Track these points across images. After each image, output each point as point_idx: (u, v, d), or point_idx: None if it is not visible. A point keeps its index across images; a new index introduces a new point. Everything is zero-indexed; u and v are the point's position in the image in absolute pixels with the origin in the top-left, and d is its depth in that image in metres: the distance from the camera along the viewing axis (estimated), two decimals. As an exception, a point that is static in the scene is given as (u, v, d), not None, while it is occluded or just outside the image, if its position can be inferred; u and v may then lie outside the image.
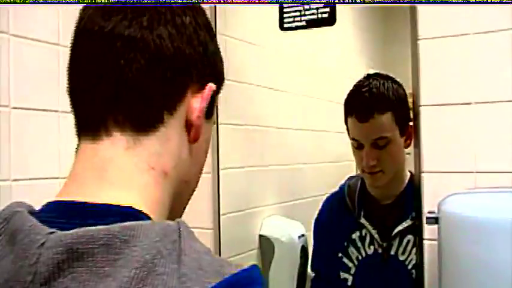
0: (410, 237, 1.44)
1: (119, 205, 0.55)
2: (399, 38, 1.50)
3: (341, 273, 1.55)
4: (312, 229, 1.70)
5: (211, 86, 0.62)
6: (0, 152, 1.18)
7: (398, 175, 1.50)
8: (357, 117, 1.48)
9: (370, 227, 1.52)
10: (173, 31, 0.59)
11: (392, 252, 1.48)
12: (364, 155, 1.48)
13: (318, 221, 1.69)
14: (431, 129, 1.26)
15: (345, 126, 1.55)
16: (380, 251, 1.50)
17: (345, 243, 1.55)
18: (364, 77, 1.54)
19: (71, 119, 1.36)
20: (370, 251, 1.52)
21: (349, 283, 1.55)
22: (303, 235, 1.77)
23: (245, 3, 1.50)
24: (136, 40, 0.57)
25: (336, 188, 1.66)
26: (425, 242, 1.27)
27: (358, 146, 1.50)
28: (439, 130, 1.26)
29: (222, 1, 1.50)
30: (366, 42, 1.98)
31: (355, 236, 1.54)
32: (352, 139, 1.52)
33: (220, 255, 1.49)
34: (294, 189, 1.91)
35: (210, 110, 0.64)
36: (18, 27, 1.21)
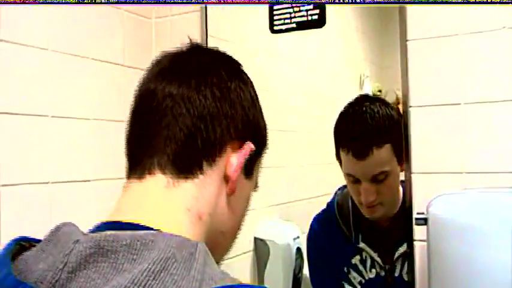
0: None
1: (150, 226, 0.61)
2: (396, 38, 1.49)
3: None
4: (306, 249, 1.63)
5: (249, 145, 0.71)
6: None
7: (395, 200, 1.41)
8: (353, 154, 1.34)
9: (370, 251, 1.44)
10: (218, 93, 0.69)
11: (396, 274, 1.41)
12: (363, 192, 1.37)
13: (312, 244, 1.61)
14: (421, 130, 1.26)
15: None
16: (383, 273, 1.43)
17: (345, 270, 1.47)
18: (354, 103, 1.41)
19: (61, 123, 1.37)
20: (372, 274, 1.44)
21: None
22: (298, 237, 1.77)
23: (235, 3, 1.50)
24: (184, 98, 0.67)
25: (323, 206, 1.58)
26: (415, 243, 1.26)
27: (354, 181, 1.39)
28: (429, 131, 1.25)
29: (213, 1, 1.50)
30: (362, 43, 1.98)
31: (355, 260, 1.46)
32: (347, 174, 1.41)
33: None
34: (289, 190, 1.91)
35: (250, 169, 0.73)
36: (7, 32, 1.22)
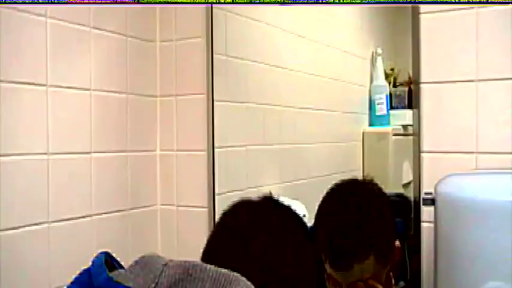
0: None
1: None
2: (406, 14, 1.44)
3: None
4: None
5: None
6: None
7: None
8: (331, 266, 1.18)
9: None
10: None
11: None
12: None
13: None
14: (432, 108, 1.22)
15: (350, 106, 1.46)
16: None
17: None
18: (342, 194, 1.22)
19: (59, 94, 1.35)
20: None
21: None
22: (304, 215, 1.73)
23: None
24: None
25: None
26: (423, 224, 1.23)
27: (333, 283, 1.21)
28: (440, 108, 1.21)
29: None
30: (372, 20, 1.93)
31: None
32: (327, 276, 1.22)
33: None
34: (296, 169, 1.87)
35: None
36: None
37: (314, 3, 1.46)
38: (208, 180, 1.52)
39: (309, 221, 1.69)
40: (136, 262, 0.70)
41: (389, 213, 1.15)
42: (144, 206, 1.60)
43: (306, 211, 1.73)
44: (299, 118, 1.90)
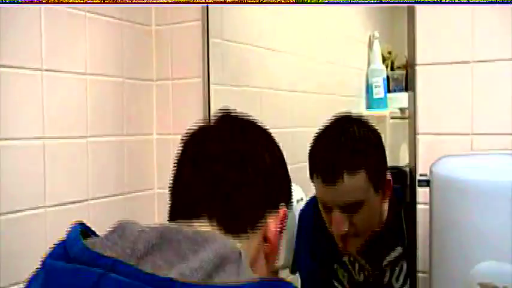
0: (403, 263, 1.28)
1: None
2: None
3: None
4: (296, 224, 1.52)
5: (285, 210, 0.80)
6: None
7: (374, 226, 1.25)
8: (323, 180, 1.18)
9: (357, 256, 1.32)
10: (254, 165, 0.77)
11: (385, 280, 1.30)
12: (333, 221, 1.20)
13: (303, 229, 1.48)
14: (427, 89, 1.22)
15: (347, 90, 1.48)
16: (371, 279, 1.32)
17: (335, 266, 1.37)
18: (332, 124, 1.24)
19: (53, 78, 1.34)
20: (361, 278, 1.33)
21: None
22: (301, 199, 1.74)
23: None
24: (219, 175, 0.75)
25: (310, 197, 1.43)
26: (418, 206, 1.23)
27: (326, 209, 1.23)
28: (436, 90, 1.21)
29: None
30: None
31: (345, 258, 1.35)
32: (319, 200, 1.25)
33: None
34: (293, 152, 1.87)
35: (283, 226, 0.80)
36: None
37: (313, 3, 1.47)
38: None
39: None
40: (112, 229, 0.69)
41: (381, 144, 1.20)
42: (141, 190, 1.60)
43: (304, 195, 1.73)
44: (296, 102, 1.89)
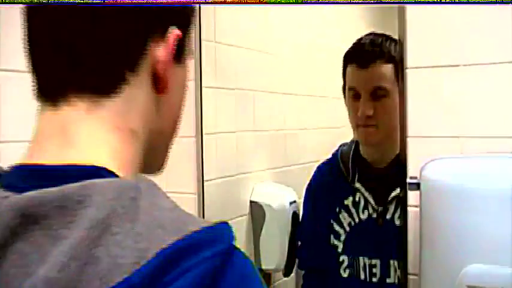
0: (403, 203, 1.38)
1: (78, 164, 0.52)
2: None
3: (331, 240, 1.53)
4: (303, 196, 1.67)
5: (175, 33, 0.58)
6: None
7: (392, 137, 1.38)
8: (357, 64, 1.47)
9: (364, 191, 1.49)
10: None
11: (388, 217, 1.45)
12: (361, 105, 1.45)
13: (309, 188, 1.66)
14: (418, 92, 1.22)
15: (341, 91, 1.51)
16: (375, 215, 1.48)
17: (337, 209, 1.52)
18: (365, 34, 1.52)
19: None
20: (364, 215, 1.49)
21: (340, 250, 1.52)
22: (294, 201, 1.74)
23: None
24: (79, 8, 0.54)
25: (329, 156, 1.62)
26: (409, 208, 1.23)
27: (355, 96, 1.48)
28: (426, 93, 1.21)
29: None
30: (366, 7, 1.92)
31: (348, 201, 1.51)
32: (349, 89, 1.50)
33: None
34: (286, 155, 1.88)
35: (180, 55, 0.60)
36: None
37: (311, 3, 1.49)
38: (197, 166, 1.52)
39: (298, 208, 1.70)
40: None
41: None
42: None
43: (296, 197, 1.74)
44: (289, 103, 1.90)
